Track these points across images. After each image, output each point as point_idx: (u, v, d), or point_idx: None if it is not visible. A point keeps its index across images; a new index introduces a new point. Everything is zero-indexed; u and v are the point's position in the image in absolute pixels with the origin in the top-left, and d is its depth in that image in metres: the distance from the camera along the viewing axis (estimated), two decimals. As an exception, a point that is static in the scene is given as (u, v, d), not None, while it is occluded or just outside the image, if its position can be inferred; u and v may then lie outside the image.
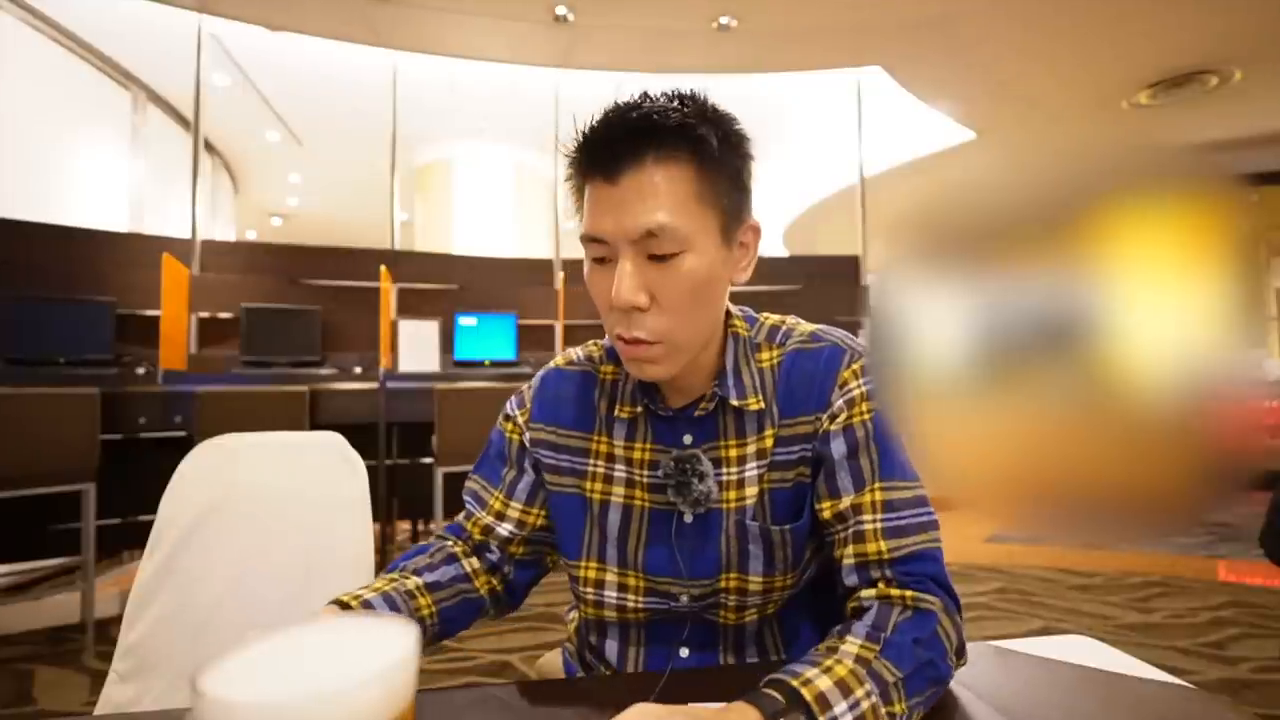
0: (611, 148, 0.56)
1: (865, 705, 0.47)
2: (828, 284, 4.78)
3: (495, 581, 0.71)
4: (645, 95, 0.59)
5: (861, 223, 5.21)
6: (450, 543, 0.71)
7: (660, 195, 0.55)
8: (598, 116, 0.59)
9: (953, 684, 0.56)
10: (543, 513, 0.72)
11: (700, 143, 0.56)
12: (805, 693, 0.46)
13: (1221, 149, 5.74)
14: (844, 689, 0.47)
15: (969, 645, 0.59)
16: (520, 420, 0.73)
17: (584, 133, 0.59)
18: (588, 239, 0.59)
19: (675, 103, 0.57)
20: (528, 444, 0.72)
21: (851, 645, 0.52)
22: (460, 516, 0.73)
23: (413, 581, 0.64)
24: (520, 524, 0.71)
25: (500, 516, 0.71)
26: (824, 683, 0.47)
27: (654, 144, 0.56)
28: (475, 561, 0.70)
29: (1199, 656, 2.00)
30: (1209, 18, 3.87)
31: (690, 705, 0.46)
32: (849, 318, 4.24)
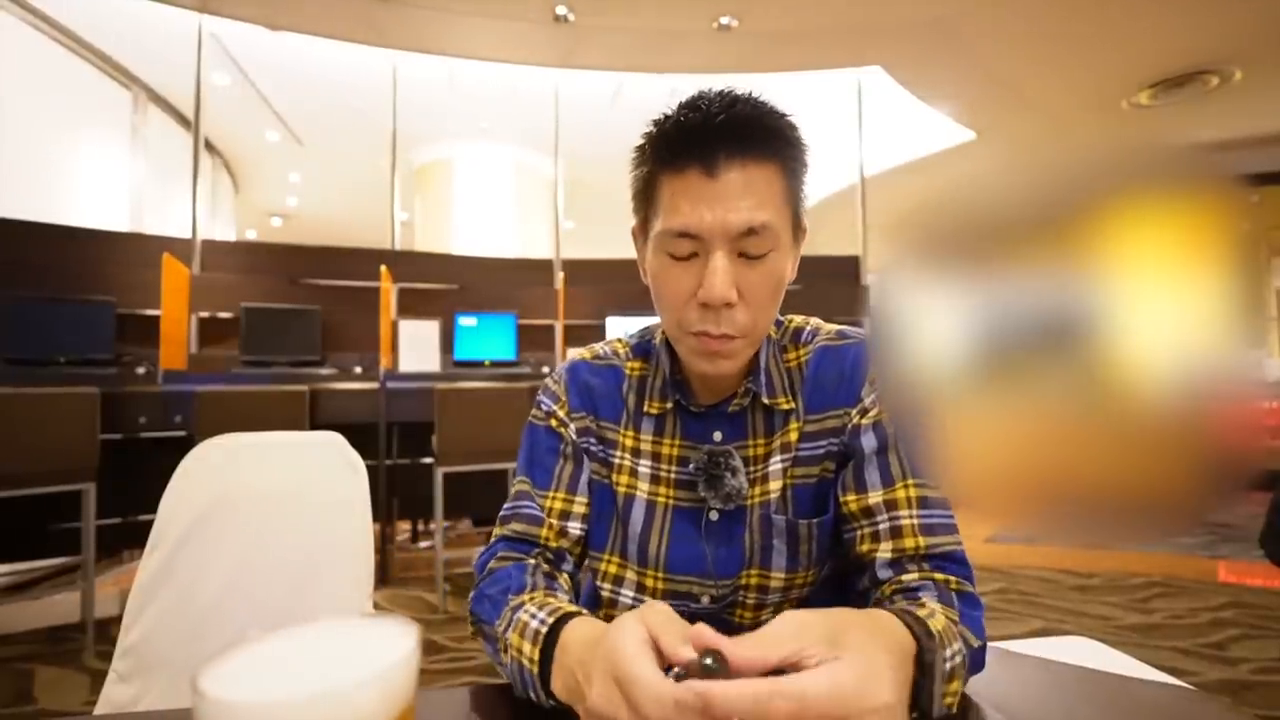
0: (714, 142, 0.55)
1: (957, 660, 0.47)
2: (828, 284, 4.77)
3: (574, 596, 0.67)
4: (723, 93, 0.57)
5: (861, 223, 5.21)
6: (533, 562, 0.63)
7: (760, 193, 0.55)
8: (684, 107, 0.57)
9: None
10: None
11: (792, 147, 0.58)
12: (932, 625, 0.46)
13: (1221, 149, 5.74)
14: (946, 639, 0.47)
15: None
16: (561, 413, 0.69)
17: (673, 121, 0.57)
18: (677, 233, 0.56)
19: (759, 104, 0.57)
20: (574, 435, 0.69)
21: (933, 605, 0.51)
22: (515, 527, 0.65)
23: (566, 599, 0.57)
24: (586, 518, 0.67)
25: (566, 515, 0.66)
26: (938, 623, 0.47)
27: (754, 144, 0.55)
28: (565, 580, 0.64)
29: (1199, 657, 2.00)
30: (1209, 18, 3.87)
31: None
32: (849, 317, 4.23)
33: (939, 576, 0.56)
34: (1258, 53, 4.25)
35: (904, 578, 0.57)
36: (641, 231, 0.64)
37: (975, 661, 0.51)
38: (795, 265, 0.64)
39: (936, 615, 0.49)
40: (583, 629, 0.49)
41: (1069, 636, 0.74)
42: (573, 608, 0.52)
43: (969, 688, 0.55)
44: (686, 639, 0.39)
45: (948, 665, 0.45)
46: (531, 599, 0.55)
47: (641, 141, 0.61)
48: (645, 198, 0.61)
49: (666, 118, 0.58)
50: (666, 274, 0.59)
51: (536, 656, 0.49)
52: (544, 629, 0.50)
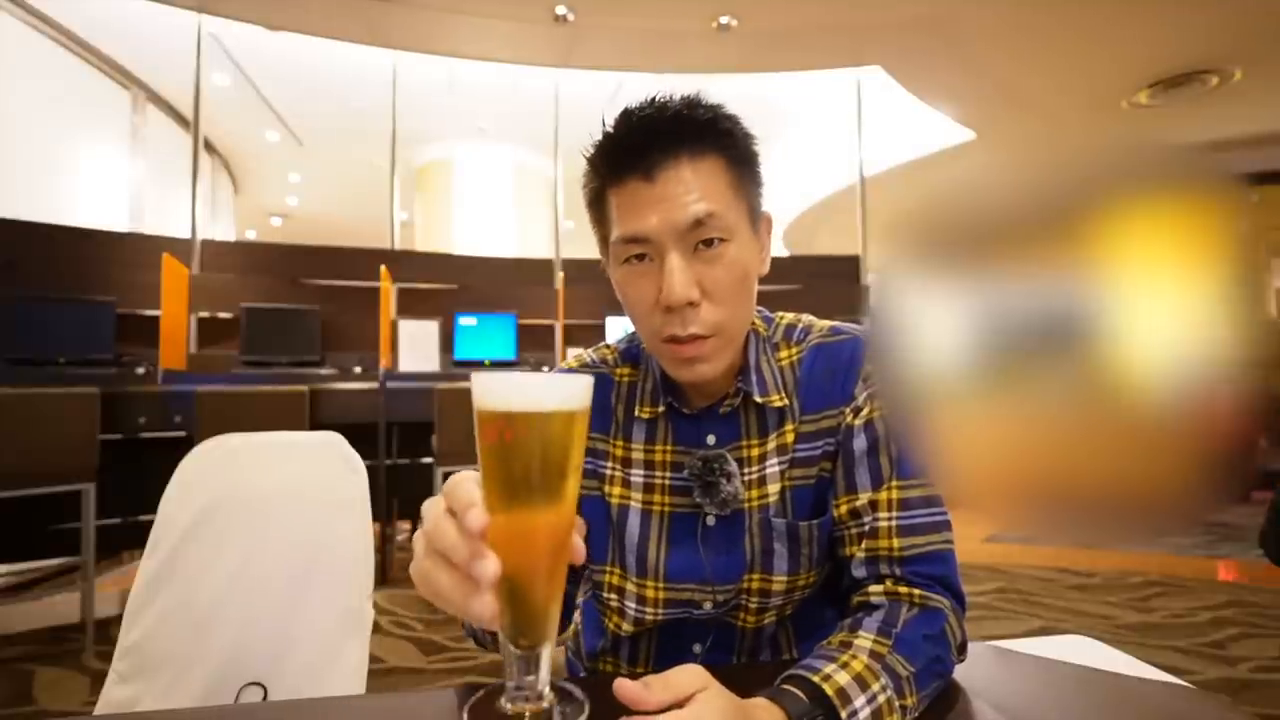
0: (646, 147, 0.56)
1: (881, 699, 0.48)
2: (828, 284, 4.77)
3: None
4: (656, 98, 0.58)
5: (861, 223, 5.21)
6: None
7: (701, 186, 0.56)
8: (618, 119, 0.58)
9: (953, 683, 0.56)
10: None
11: (728, 137, 0.58)
12: (826, 688, 0.47)
13: (1221, 149, 5.74)
14: (861, 684, 0.48)
15: (969, 644, 0.60)
16: None
17: (607, 135, 0.58)
18: (627, 240, 0.57)
19: (692, 102, 0.58)
20: None
21: (865, 640, 0.53)
22: None
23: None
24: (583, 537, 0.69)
25: None
26: (843, 678, 0.48)
27: (687, 141, 0.56)
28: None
29: (1199, 656, 2.00)
30: (1209, 18, 3.86)
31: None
32: (849, 317, 4.22)
33: (903, 590, 0.57)
34: (1258, 53, 4.25)
35: (871, 589, 0.58)
36: (603, 247, 0.64)
37: (926, 677, 0.52)
38: (766, 257, 0.63)
39: (856, 659, 0.50)
40: None
41: (1068, 635, 0.74)
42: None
43: (969, 687, 0.56)
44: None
45: (865, 712, 0.47)
46: None
47: (586, 158, 0.61)
48: (598, 214, 0.62)
49: (605, 134, 0.59)
50: (628, 284, 0.60)
51: None
52: None
